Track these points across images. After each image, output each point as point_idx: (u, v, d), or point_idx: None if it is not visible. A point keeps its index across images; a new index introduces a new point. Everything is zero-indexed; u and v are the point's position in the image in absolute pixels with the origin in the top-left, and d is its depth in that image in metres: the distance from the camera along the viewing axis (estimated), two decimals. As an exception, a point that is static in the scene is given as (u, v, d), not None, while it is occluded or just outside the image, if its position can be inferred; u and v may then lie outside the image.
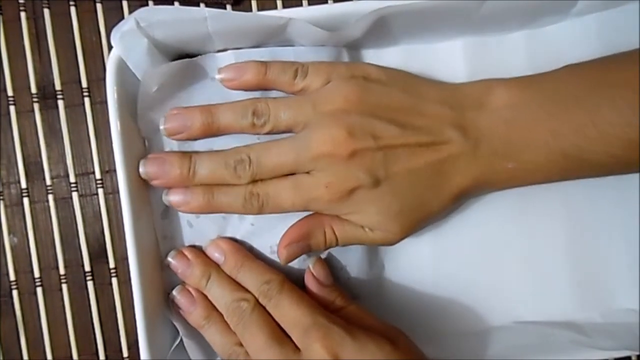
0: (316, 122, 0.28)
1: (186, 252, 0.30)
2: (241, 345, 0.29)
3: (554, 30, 0.32)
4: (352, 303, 0.30)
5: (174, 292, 0.30)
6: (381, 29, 0.30)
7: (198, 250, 0.31)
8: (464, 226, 0.33)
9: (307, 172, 0.28)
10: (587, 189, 0.33)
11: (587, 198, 0.33)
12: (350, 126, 0.27)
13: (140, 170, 0.29)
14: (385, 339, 0.27)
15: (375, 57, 0.32)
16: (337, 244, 0.30)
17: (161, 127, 0.30)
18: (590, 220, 0.33)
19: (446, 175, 0.29)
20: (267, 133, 0.29)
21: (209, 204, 0.29)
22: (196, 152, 0.30)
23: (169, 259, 0.30)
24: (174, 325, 0.31)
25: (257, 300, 0.29)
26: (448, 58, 0.32)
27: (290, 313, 0.28)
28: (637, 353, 0.31)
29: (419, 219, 0.29)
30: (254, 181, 0.29)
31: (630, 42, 0.30)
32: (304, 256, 0.30)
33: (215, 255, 0.30)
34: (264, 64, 0.29)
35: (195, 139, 0.30)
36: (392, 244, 0.30)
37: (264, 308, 0.29)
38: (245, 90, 0.30)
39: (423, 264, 0.33)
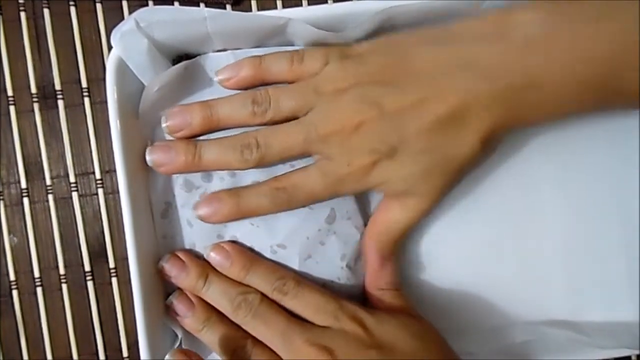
0: (320, 104, 0.28)
1: (180, 255, 0.30)
2: (245, 340, 0.29)
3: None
4: (398, 288, 0.31)
5: (171, 298, 0.30)
6: (383, 30, 0.30)
7: (193, 253, 0.31)
8: (461, 226, 0.33)
9: (321, 155, 0.28)
10: (585, 186, 0.33)
11: (584, 196, 0.33)
12: (352, 101, 0.27)
13: (147, 158, 0.29)
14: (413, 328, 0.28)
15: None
16: (398, 227, 0.30)
17: (163, 125, 0.29)
18: (587, 219, 0.33)
19: (463, 123, 0.27)
20: (270, 122, 0.29)
21: (238, 209, 0.29)
22: (202, 140, 0.29)
23: (162, 263, 0.30)
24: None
25: (262, 294, 0.29)
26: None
27: (313, 300, 0.28)
28: (637, 352, 0.31)
29: (448, 174, 0.28)
30: (263, 165, 0.29)
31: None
32: (305, 255, 0.30)
33: (220, 258, 0.30)
34: (258, 57, 0.29)
35: (198, 135, 0.30)
36: (429, 207, 0.29)
37: (271, 301, 0.29)
38: (245, 88, 0.30)
39: (421, 263, 0.33)
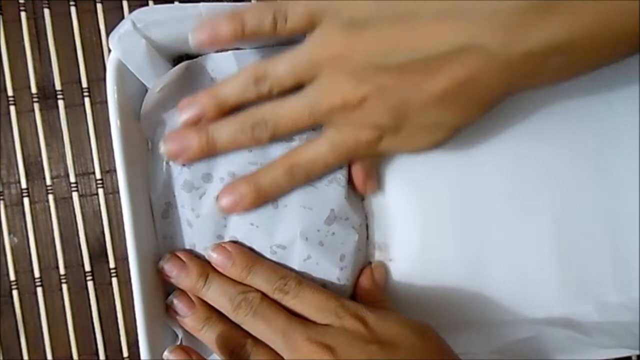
0: (320, 74, 0.27)
1: (180, 255, 0.30)
2: (245, 339, 0.29)
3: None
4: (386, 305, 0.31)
5: (171, 298, 0.30)
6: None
7: (193, 253, 0.31)
8: (457, 224, 0.33)
9: (329, 126, 0.28)
10: (572, 184, 0.33)
11: (572, 193, 0.33)
12: (351, 72, 0.26)
13: (162, 150, 0.29)
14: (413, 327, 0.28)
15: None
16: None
17: (180, 120, 0.29)
18: (575, 217, 0.33)
19: (473, 91, 0.26)
20: (276, 95, 0.28)
21: (259, 193, 0.29)
22: (212, 123, 0.29)
23: (162, 263, 0.30)
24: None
25: (262, 293, 0.29)
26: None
27: (314, 299, 0.28)
28: (637, 352, 0.31)
29: (456, 131, 0.28)
30: (276, 140, 0.29)
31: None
32: (304, 256, 0.30)
33: (222, 258, 0.30)
34: (238, 14, 0.27)
35: (211, 120, 0.29)
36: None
37: (273, 301, 0.29)
38: (223, 46, 0.29)
39: (418, 261, 0.33)
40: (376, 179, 0.32)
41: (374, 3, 0.26)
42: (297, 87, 0.28)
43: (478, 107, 0.27)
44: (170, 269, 0.30)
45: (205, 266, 0.30)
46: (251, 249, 0.31)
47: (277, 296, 0.29)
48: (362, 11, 0.26)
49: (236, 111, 0.29)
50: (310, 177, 0.29)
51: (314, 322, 0.28)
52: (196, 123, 0.29)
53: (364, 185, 0.31)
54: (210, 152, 0.29)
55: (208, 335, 0.29)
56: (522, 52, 0.24)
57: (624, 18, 0.23)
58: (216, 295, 0.29)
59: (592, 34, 0.23)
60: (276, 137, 0.29)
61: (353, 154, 0.29)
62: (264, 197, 0.29)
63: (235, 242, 0.31)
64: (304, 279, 0.30)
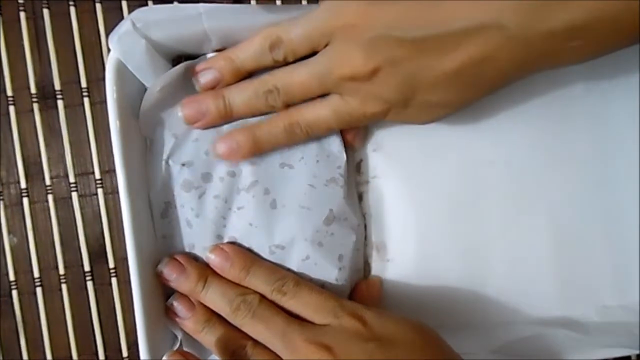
0: (331, 43, 0.27)
1: (179, 258, 0.30)
2: (245, 341, 0.29)
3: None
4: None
5: (171, 300, 0.30)
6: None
7: (191, 256, 0.31)
8: (455, 225, 0.33)
9: (336, 93, 0.28)
10: (571, 187, 0.33)
11: (572, 196, 0.33)
12: (364, 43, 0.26)
13: (180, 114, 0.30)
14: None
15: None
16: None
17: (198, 84, 0.30)
18: (573, 219, 0.33)
19: (487, 70, 0.25)
20: (293, 61, 0.29)
21: (255, 144, 0.29)
22: (225, 88, 0.30)
23: (160, 267, 0.30)
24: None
25: (261, 295, 0.29)
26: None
27: (312, 300, 0.28)
28: (637, 352, 0.31)
29: (462, 107, 0.28)
30: (288, 107, 0.29)
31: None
32: (303, 256, 0.30)
33: (220, 259, 0.30)
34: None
35: (227, 84, 0.30)
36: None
37: (272, 302, 0.29)
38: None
39: (415, 261, 0.33)
40: (364, 135, 0.33)
41: None
42: (311, 53, 0.28)
43: (489, 87, 0.27)
44: (169, 272, 0.30)
45: (204, 269, 0.30)
46: (250, 249, 0.31)
47: (275, 297, 0.29)
48: None
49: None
50: (309, 136, 0.30)
51: (313, 323, 0.28)
52: (212, 87, 0.30)
53: (353, 139, 0.32)
54: (227, 117, 0.30)
55: (208, 338, 0.29)
56: (541, 32, 0.24)
57: None
58: (215, 297, 0.29)
59: (613, 15, 0.23)
60: (289, 103, 0.29)
61: (355, 123, 0.29)
62: (259, 148, 0.30)
63: (233, 244, 0.31)
64: (302, 280, 0.30)
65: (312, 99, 0.29)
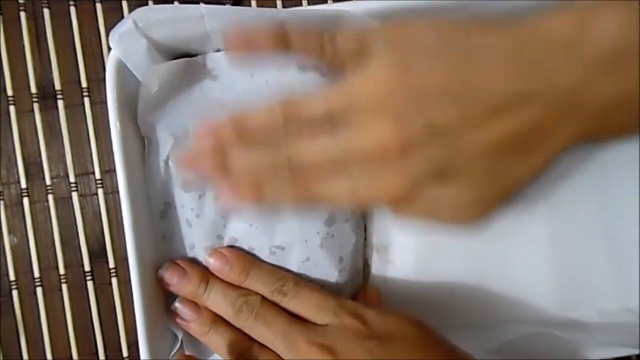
0: (357, 112, 0.24)
1: (180, 262, 0.30)
2: (251, 342, 0.29)
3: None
4: None
5: (176, 304, 0.30)
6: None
7: (191, 260, 0.31)
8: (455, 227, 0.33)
9: (361, 173, 0.24)
10: (569, 192, 0.33)
11: (569, 200, 0.33)
12: (396, 113, 0.23)
13: (178, 173, 0.29)
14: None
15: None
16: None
17: (198, 144, 0.27)
18: (572, 222, 0.33)
19: (532, 145, 0.23)
20: (304, 128, 0.25)
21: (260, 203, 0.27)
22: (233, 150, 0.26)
23: (161, 272, 0.30)
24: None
25: (262, 297, 0.29)
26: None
27: (312, 299, 0.28)
28: (637, 352, 0.31)
29: (503, 198, 0.24)
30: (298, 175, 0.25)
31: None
32: (303, 257, 0.30)
33: (219, 263, 0.30)
34: (281, 31, 0.25)
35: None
36: (466, 227, 0.25)
37: (273, 303, 0.29)
38: (256, 55, 0.26)
39: (414, 262, 0.33)
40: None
41: (431, 28, 0.24)
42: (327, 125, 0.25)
43: (539, 158, 0.23)
44: (171, 277, 0.30)
45: (205, 272, 0.30)
46: (250, 250, 0.31)
47: (276, 298, 0.29)
48: (418, 35, 0.24)
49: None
50: (314, 209, 0.29)
51: (314, 323, 0.28)
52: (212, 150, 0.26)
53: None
54: (226, 176, 0.27)
55: (215, 339, 0.29)
56: (585, 103, 0.22)
57: None
58: (217, 300, 0.29)
59: None
60: (298, 177, 0.25)
61: (375, 207, 0.28)
62: (264, 206, 0.28)
63: (232, 246, 0.31)
64: (302, 280, 0.30)
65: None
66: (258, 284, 0.29)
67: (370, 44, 0.24)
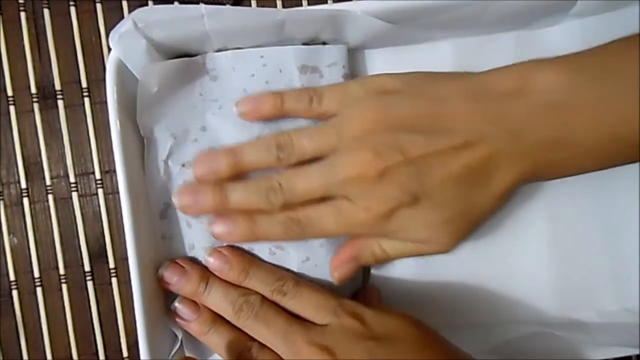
0: (342, 147, 0.28)
1: (180, 261, 0.30)
2: (251, 341, 0.29)
3: (546, 34, 0.32)
4: None
5: (176, 303, 0.30)
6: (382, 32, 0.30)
7: (191, 259, 0.31)
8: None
9: (345, 197, 0.28)
10: (569, 192, 0.33)
11: (569, 201, 0.33)
12: (375, 146, 0.27)
13: (174, 201, 0.30)
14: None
15: (369, 57, 0.32)
16: (389, 259, 0.30)
17: (194, 174, 0.30)
18: (572, 223, 0.33)
19: (489, 175, 0.27)
20: (295, 164, 0.29)
21: (252, 233, 0.29)
22: (228, 183, 0.29)
23: (161, 271, 0.30)
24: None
25: (262, 296, 0.29)
26: (438, 58, 0.32)
27: (312, 299, 0.29)
28: (637, 352, 0.31)
29: (469, 224, 0.29)
30: (289, 207, 0.28)
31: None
32: (303, 257, 0.30)
33: (219, 262, 0.30)
34: (279, 94, 0.30)
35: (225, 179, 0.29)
36: (445, 252, 0.29)
37: (273, 303, 0.29)
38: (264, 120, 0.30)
39: (415, 262, 0.33)
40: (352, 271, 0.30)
41: (399, 77, 0.29)
42: (315, 158, 0.29)
43: (497, 187, 0.27)
44: (170, 276, 0.30)
45: (205, 271, 0.30)
46: (250, 251, 0.31)
47: (276, 297, 0.29)
48: (389, 85, 0.29)
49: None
50: (304, 235, 0.29)
51: (314, 323, 0.28)
52: (206, 178, 0.29)
53: (338, 267, 0.30)
54: (221, 210, 0.29)
55: (214, 339, 0.29)
56: (532, 141, 0.26)
57: (613, 127, 0.26)
58: (217, 299, 0.29)
59: (584, 137, 0.26)
60: (289, 205, 0.28)
61: (356, 229, 0.28)
62: (256, 239, 0.29)
63: (232, 246, 0.31)
64: (301, 280, 0.30)
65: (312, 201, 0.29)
66: (257, 283, 0.29)
67: (352, 92, 0.29)
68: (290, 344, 0.27)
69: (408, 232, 0.28)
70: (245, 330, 0.29)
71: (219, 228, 0.29)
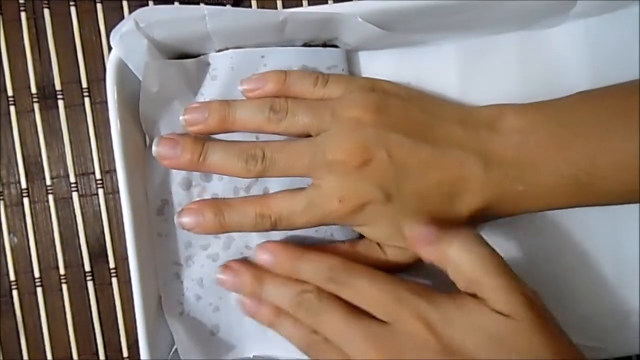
0: (333, 129, 0.28)
1: (231, 264, 0.30)
2: (316, 333, 0.28)
3: (549, 34, 0.32)
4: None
5: (240, 298, 0.30)
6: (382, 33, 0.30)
7: (242, 260, 0.31)
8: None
9: (317, 182, 0.28)
10: None
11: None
12: (365, 138, 0.28)
13: (153, 149, 0.29)
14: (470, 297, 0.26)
15: (370, 58, 0.32)
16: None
17: (181, 118, 0.30)
18: (572, 222, 0.33)
19: (457, 195, 0.28)
20: (283, 132, 0.29)
21: (220, 224, 0.29)
22: (211, 140, 0.29)
23: (218, 275, 0.30)
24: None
25: (318, 288, 0.28)
26: (440, 60, 0.32)
27: (368, 292, 0.27)
28: (637, 353, 0.31)
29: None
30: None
31: (625, 48, 0.31)
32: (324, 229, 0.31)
33: (267, 257, 0.29)
34: (284, 72, 0.30)
35: (212, 133, 0.30)
36: (408, 262, 0.29)
37: (330, 293, 0.28)
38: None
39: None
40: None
41: (403, 88, 0.31)
42: (303, 135, 0.29)
43: (464, 209, 0.28)
44: (225, 280, 0.30)
45: (257, 269, 0.30)
46: (248, 249, 0.31)
47: (331, 287, 0.28)
48: (392, 90, 0.30)
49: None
50: (275, 228, 0.29)
51: (373, 317, 0.27)
52: (194, 126, 0.29)
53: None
54: (196, 168, 0.29)
55: (283, 328, 0.29)
56: (498, 174, 0.28)
57: (572, 169, 0.27)
58: (274, 297, 0.29)
59: (544, 176, 0.28)
60: (265, 176, 0.29)
61: (325, 219, 0.28)
62: (225, 229, 0.29)
63: (276, 241, 0.30)
64: (350, 264, 0.28)
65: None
66: (309, 275, 0.29)
67: (359, 84, 0.30)
68: (350, 342, 0.27)
69: (373, 228, 0.29)
70: (307, 324, 0.28)
71: (186, 219, 0.29)
